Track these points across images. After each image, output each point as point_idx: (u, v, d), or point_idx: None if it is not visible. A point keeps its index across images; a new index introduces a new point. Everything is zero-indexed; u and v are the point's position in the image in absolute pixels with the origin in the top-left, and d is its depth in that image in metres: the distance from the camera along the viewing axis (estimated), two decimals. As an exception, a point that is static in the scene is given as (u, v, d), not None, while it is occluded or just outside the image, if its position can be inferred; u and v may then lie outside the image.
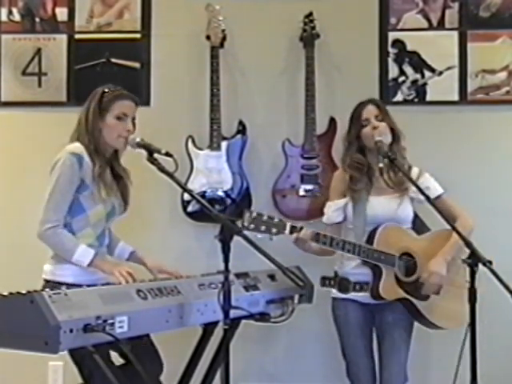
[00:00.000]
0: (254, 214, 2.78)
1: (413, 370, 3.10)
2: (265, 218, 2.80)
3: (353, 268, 3.05)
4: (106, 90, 2.85)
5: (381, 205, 3.07)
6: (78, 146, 2.80)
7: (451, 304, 3.00)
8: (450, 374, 2.77)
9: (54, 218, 2.73)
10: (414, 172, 3.14)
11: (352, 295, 3.05)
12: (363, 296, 3.03)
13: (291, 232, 2.86)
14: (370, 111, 3.10)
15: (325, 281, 3.14)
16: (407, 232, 3.08)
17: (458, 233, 2.74)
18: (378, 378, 3.08)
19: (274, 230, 2.81)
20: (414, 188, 2.98)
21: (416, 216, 3.17)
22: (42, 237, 2.75)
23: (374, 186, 3.11)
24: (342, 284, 3.08)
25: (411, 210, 3.12)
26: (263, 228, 2.78)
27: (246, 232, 2.68)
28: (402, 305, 3.00)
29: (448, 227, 2.82)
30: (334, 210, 3.15)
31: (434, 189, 3.13)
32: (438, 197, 3.11)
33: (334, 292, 3.12)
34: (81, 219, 2.81)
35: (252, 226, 2.76)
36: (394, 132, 3.11)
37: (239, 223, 2.73)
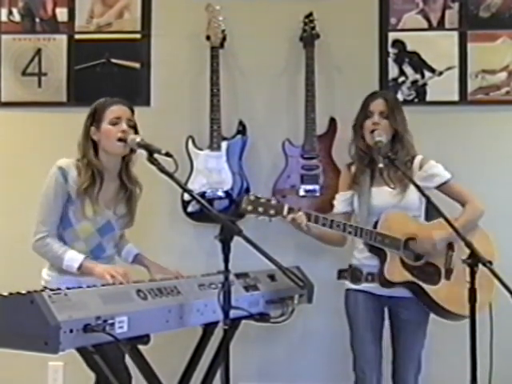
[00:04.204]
0: (252, 197, 2.84)
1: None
2: (263, 200, 2.86)
3: (365, 259, 3.07)
4: (98, 102, 2.89)
5: (383, 195, 3.09)
6: (66, 161, 2.85)
7: (463, 290, 2.94)
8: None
9: (43, 229, 2.81)
10: (417, 160, 3.15)
11: (364, 286, 3.07)
12: (376, 287, 3.04)
13: (289, 213, 2.89)
14: (377, 105, 3.11)
15: (341, 273, 3.17)
16: (413, 218, 3.09)
17: (457, 232, 2.73)
18: (386, 369, 3.12)
19: (272, 212, 2.86)
20: (417, 176, 3.04)
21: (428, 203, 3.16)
22: (34, 248, 2.84)
23: (377, 178, 3.12)
24: (355, 274, 3.10)
25: (416, 197, 3.09)
26: (261, 210, 2.84)
27: (245, 215, 2.78)
28: (412, 292, 2.99)
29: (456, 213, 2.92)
30: (340, 200, 3.20)
31: (440, 176, 3.14)
32: (445, 183, 3.14)
33: (347, 283, 3.14)
34: (69, 232, 2.86)
35: (250, 207, 2.83)
36: (397, 131, 3.11)
37: (240, 207, 2.78)
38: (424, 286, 2.99)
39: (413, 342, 3.08)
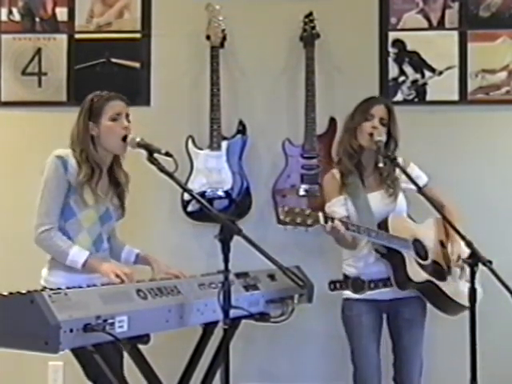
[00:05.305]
0: (287, 208, 2.74)
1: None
2: (297, 210, 2.74)
3: (363, 268, 3.07)
4: (94, 97, 2.86)
5: (378, 200, 3.09)
6: (63, 150, 2.81)
7: (463, 284, 3.00)
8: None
9: (47, 221, 2.75)
10: (399, 163, 3.13)
11: (368, 294, 3.04)
12: (378, 293, 3.03)
13: (326, 221, 2.80)
14: (380, 111, 3.10)
15: (335, 284, 3.10)
16: (410, 221, 3.14)
17: (458, 231, 2.77)
18: (383, 370, 3.12)
19: (310, 221, 2.75)
20: (402, 178, 3.05)
21: None
22: (37, 241, 2.77)
23: (366, 183, 3.12)
24: (357, 284, 3.05)
25: (405, 201, 3.16)
26: (299, 220, 2.72)
27: (284, 226, 2.71)
28: (423, 291, 3.01)
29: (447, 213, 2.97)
30: (339, 205, 3.13)
31: (421, 177, 3.19)
32: (425, 185, 3.17)
33: (348, 293, 3.09)
34: (73, 223, 2.81)
35: (288, 218, 2.71)
36: (390, 139, 3.10)
37: (276, 219, 2.71)
38: (438, 283, 3.01)
39: (417, 341, 3.09)
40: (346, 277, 3.12)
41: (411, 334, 3.08)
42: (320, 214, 2.79)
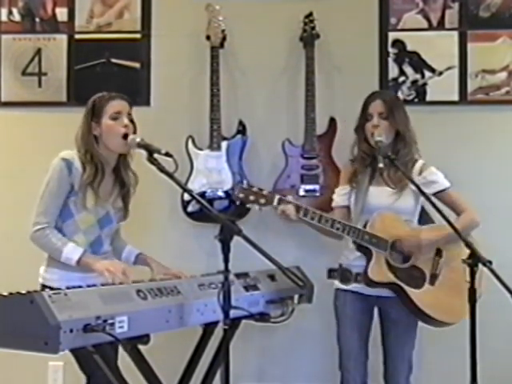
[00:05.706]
0: (245, 185, 2.91)
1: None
2: (255, 189, 2.91)
3: (354, 259, 3.06)
4: (97, 98, 2.88)
5: (380, 195, 3.08)
6: (69, 152, 2.84)
7: (446, 297, 2.99)
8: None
9: (44, 220, 2.78)
10: (418, 165, 3.14)
11: (353, 286, 3.06)
12: (365, 287, 3.02)
13: (279, 203, 2.91)
14: (376, 107, 3.09)
15: (331, 273, 3.17)
16: (404, 222, 3.06)
17: (457, 231, 2.73)
18: (379, 369, 3.12)
19: (262, 201, 2.90)
20: (416, 181, 2.97)
21: (422, 209, 3.17)
22: (32, 239, 2.80)
23: (377, 177, 3.11)
24: (344, 275, 3.09)
25: (412, 202, 3.10)
26: (252, 198, 2.89)
27: (236, 202, 2.88)
28: (395, 294, 2.98)
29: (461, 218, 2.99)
30: (340, 194, 3.19)
31: (438, 183, 3.13)
32: (443, 190, 3.12)
33: (337, 283, 3.13)
34: (70, 224, 2.83)
35: (241, 195, 2.88)
36: (398, 131, 3.09)
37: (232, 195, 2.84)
38: (406, 288, 2.98)
39: (403, 342, 3.07)
40: (340, 266, 3.15)
41: (397, 336, 3.07)
42: (276, 196, 2.92)
